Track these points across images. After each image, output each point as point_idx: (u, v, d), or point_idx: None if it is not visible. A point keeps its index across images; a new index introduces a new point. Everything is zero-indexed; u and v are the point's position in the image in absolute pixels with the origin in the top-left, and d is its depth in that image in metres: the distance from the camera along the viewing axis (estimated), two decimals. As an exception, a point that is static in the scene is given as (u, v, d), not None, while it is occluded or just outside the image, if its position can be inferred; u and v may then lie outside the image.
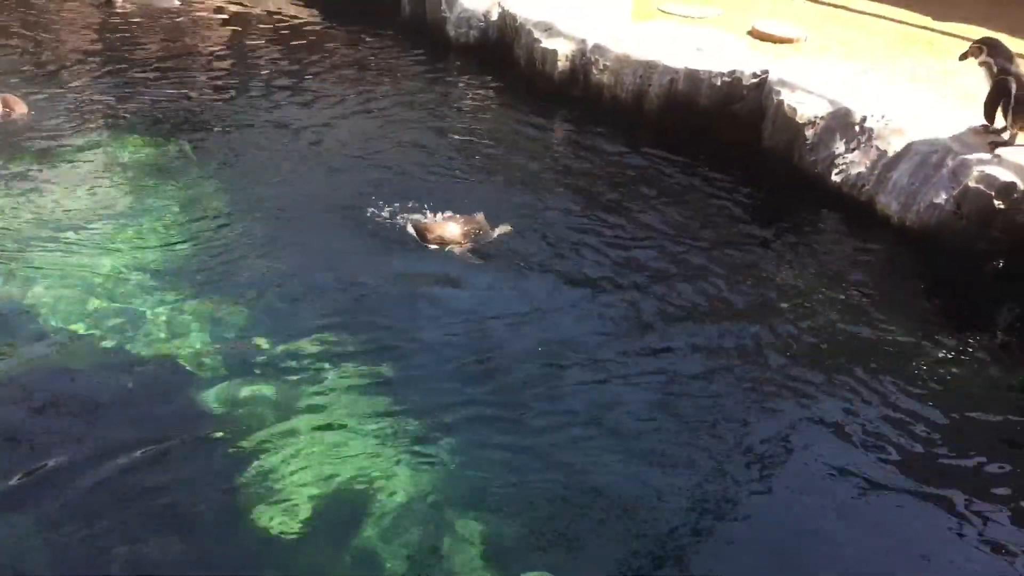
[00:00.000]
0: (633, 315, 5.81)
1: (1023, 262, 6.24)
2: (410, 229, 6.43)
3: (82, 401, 4.93)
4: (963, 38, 9.14)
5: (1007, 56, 6.51)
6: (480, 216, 6.51)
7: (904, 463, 4.72)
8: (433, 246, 6.34)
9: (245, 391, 5.00)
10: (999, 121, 6.60)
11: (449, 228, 6.39)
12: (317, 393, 5.00)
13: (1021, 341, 5.81)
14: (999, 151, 6.46)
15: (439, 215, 6.53)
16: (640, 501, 4.42)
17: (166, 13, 11.62)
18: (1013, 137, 6.54)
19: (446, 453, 4.65)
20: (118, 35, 10.76)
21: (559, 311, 5.82)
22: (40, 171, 7.25)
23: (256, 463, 4.54)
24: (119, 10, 11.70)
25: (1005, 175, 6.24)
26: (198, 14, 11.66)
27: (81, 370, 5.15)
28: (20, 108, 8.25)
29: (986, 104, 6.63)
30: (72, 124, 8.19)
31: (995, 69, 6.48)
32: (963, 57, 6.80)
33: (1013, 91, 6.39)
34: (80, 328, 5.44)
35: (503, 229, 6.47)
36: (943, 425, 4.99)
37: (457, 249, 6.29)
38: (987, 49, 6.56)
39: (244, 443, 4.65)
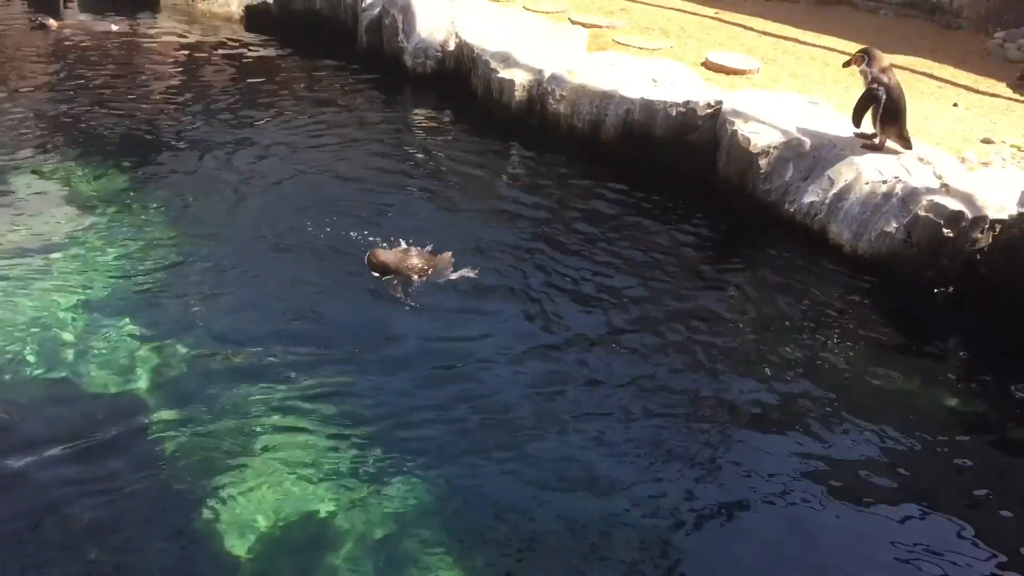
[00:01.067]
0: (585, 345, 5.81)
1: (971, 290, 6.37)
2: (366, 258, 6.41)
3: (29, 433, 4.82)
4: (910, 70, 9.40)
5: (881, 67, 6.97)
6: (447, 255, 6.43)
7: (853, 489, 4.76)
8: (375, 274, 6.31)
9: (198, 421, 4.93)
10: (867, 126, 7.14)
11: (391, 258, 6.33)
12: (270, 421, 4.95)
13: (969, 367, 5.91)
14: (946, 181, 6.62)
15: (405, 245, 6.47)
16: (605, 531, 4.41)
17: (108, 38, 11.48)
18: (883, 143, 7.04)
19: (402, 481, 4.61)
20: (69, 61, 10.61)
21: (507, 344, 5.79)
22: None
23: (211, 492, 4.49)
24: (54, 33, 11.52)
25: (953, 204, 6.37)
26: (152, 41, 11.55)
27: (29, 402, 5.04)
28: None
29: (855, 109, 7.12)
30: (19, 151, 8.05)
31: (869, 78, 6.96)
32: (846, 65, 7.32)
33: (883, 100, 6.89)
34: (28, 359, 5.33)
35: (466, 272, 6.35)
36: (892, 448, 5.05)
37: (394, 280, 6.23)
38: (866, 59, 7.04)
39: (198, 474, 4.59)
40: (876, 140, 7.13)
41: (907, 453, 5.05)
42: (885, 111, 6.96)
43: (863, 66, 7.03)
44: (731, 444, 5.05)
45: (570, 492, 4.63)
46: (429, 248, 6.50)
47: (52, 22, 11.75)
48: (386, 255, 6.35)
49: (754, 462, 4.92)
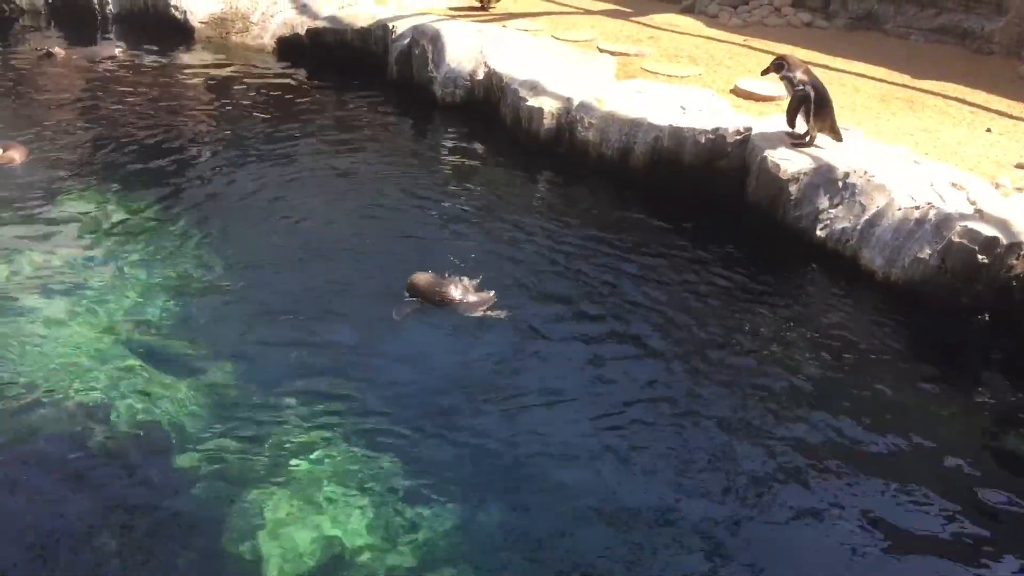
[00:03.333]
0: (614, 374, 5.78)
1: (1007, 316, 6.27)
2: None
3: (61, 463, 4.86)
4: (943, 96, 9.35)
5: (804, 69, 7.49)
6: (488, 294, 6.36)
7: (885, 519, 4.68)
8: (406, 293, 6.36)
9: (228, 450, 4.95)
10: (800, 126, 7.53)
11: (422, 283, 6.35)
12: (301, 453, 4.95)
13: (1006, 395, 5.80)
14: (980, 206, 6.55)
15: (450, 276, 6.47)
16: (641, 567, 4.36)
17: (129, 68, 11.59)
18: (812, 139, 7.53)
19: (435, 514, 4.60)
20: (99, 89, 10.78)
21: (538, 376, 5.77)
22: (25, 227, 7.26)
23: (241, 522, 4.50)
24: (61, 61, 11.61)
25: (988, 230, 6.29)
26: (184, 71, 11.71)
27: (60, 432, 5.08)
28: (17, 157, 8.39)
29: (788, 112, 7.55)
30: (50, 179, 8.18)
31: (795, 81, 7.39)
32: (765, 72, 7.76)
33: (812, 99, 7.33)
34: (61, 389, 5.38)
35: (498, 313, 6.23)
36: (928, 479, 4.96)
37: (412, 303, 6.28)
38: (787, 65, 7.48)
39: (228, 503, 4.60)
40: (807, 138, 7.52)
41: (944, 483, 4.95)
42: (816, 108, 7.34)
43: (784, 72, 7.48)
44: (764, 475, 4.98)
45: (605, 526, 4.59)
46: (475, 282, 6.47)
47: (58, 50, 11.87)
48: (419, 278, 6.38)
49: (789, 491, 4.86)
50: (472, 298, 6.33)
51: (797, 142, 7.57)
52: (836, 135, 7.54)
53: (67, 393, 5.36)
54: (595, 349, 6.02)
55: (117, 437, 5.05)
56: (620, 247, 7.37)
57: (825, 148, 7.53)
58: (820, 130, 7.51)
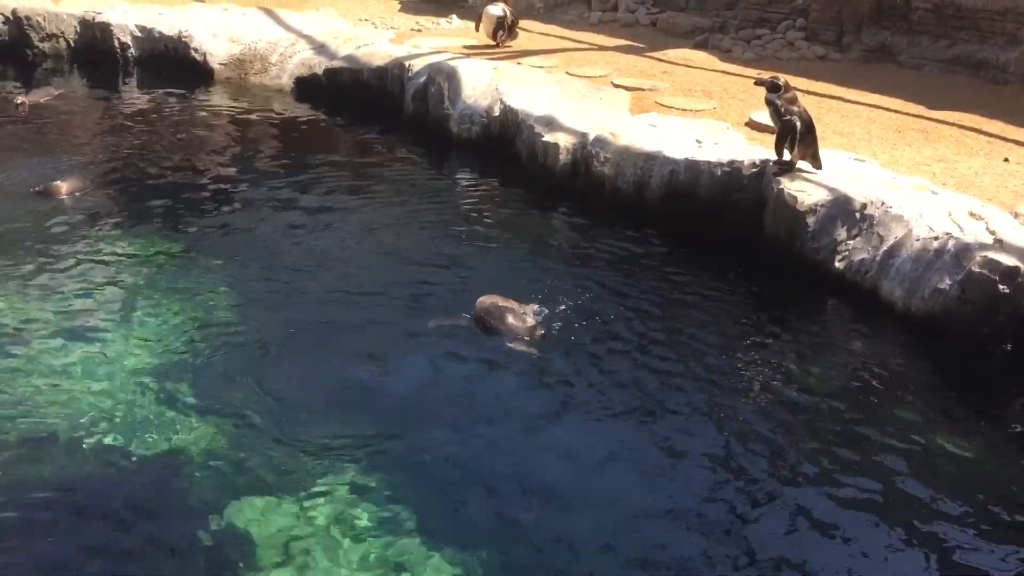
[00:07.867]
0: (629, 407, 5.75)
1: (1030, 347, 6.21)
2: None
3: (79, 499, 4.87)
4: (959, 126, 9.33)
5: (789, 98, 7.53)
6: (533, 330, 6.35)
7: (903, 557, 4.60)
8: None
9: (249, 492, 4.93)
10: (785, 155, 7.67)
11: (480, 304, 6.42)
12: (323, 496, 4.93)
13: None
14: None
15: (520, 304, 6.49)
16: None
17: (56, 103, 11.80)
18: (794, 163, 7.67)
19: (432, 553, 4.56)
20: (124, 131, 10.93)
21: (554, 413, 5.76)
22: (53, 260, 7.37)
23: (246, 561, 4.48)
24: (21, 110, 11.48)
25: (1008, 260, 6.24)
26: (205, 111, 11.86)
27: (80, 468, 5.09)
28: (64, 188, 8.66)
29: (776, 141, 7.67)
30: (92, 215, 8.30)
31: (782, 111, 7.47)
32: (758, 84, 7.89)
33: (798, 129, 7.43)
34: (81, 426, 5.39)
35: (529, 351, 6.22)
36: (951, 514, 4.89)
37: (462, 318, 6.39)
38: (781, 89, 7.56)
39: (246, 548, 4.57)
40: (789, 162, 7.67)
41: (966, 518, 4.88)
42: (802, 137, 7.48)
43: (774, 96, 7.52)
44: (778, 508, 4.92)
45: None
46: (538, 314, 6.48)
47: (21, 99, 11.67)
48: (482, 301, 6.45)
49: (806, 525, 4.80)
50: (518, 329, 6.30)
51: (781, 168, 7.69)
52: (817, 163, 7.64)
53: (89, 427, 5.37)
54: (616, 391, 5.94)
55: (135, 472, 5.06)
56: (638, 282, 7.37)
57: (841, 179, 7.52)
58: (803, 157, 7.63)
